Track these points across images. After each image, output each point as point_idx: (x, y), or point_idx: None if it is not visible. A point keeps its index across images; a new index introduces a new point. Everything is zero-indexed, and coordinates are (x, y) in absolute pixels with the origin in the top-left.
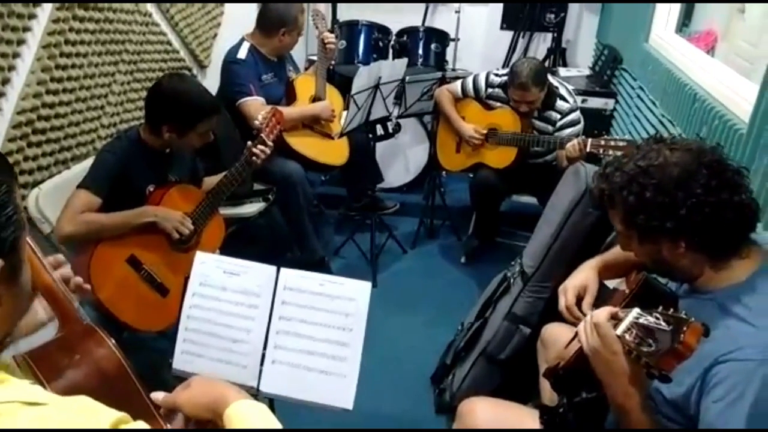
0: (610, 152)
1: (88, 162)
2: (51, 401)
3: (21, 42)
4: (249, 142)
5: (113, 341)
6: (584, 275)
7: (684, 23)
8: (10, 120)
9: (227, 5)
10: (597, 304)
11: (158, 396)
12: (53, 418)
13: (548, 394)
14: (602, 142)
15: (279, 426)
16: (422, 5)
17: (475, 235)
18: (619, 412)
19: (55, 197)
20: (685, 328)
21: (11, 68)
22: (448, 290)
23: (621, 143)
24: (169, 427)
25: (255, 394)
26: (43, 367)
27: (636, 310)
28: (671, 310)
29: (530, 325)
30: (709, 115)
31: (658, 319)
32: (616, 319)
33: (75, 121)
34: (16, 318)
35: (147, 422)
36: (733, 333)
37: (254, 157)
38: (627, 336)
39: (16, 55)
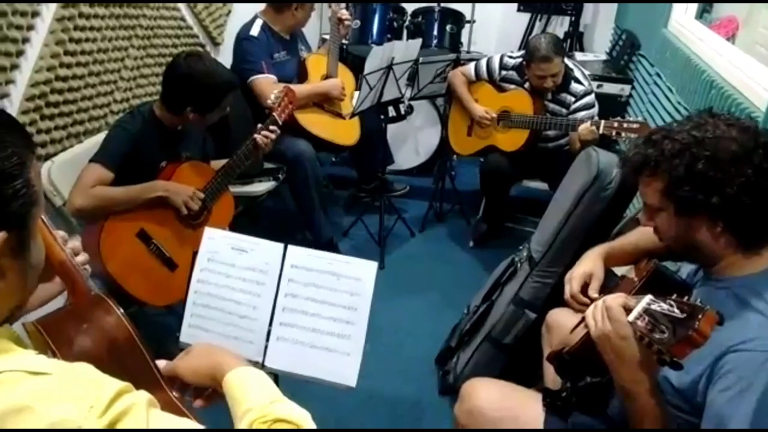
0: (623, 134)
1: (101, 136)
2: (54, 371)
3: (35, 14)
4: (259, 125)
5: (122, 310)
6: (590, 263)
7: (705, 9)
8: (24, 92)
9: None
10: (606, 292)
11: (159, 364)
12: (55, 388)
13: (551, 378)
14: (615, 124)
15: (277, 392)
16: None
17: (484, 219)
18: (626, 398)
19: (67, 170)
20: (700, 316)
21: (25, 40)
22: (455, 274)
23: (634, 125)
24: (174, 395)
25: (260, 369)
26: (54, 335)
27: (649, 297)
28: (685, 297)
29: (536, 310)
30: (725, 103)
31: (671, 306)
32: (627, 309)
33: (88, 96)
34: (22, 293)
35: (153, 391)
36: (745, 323)
37: (265, 139)
38: (639, 322)
39: (30, 28)
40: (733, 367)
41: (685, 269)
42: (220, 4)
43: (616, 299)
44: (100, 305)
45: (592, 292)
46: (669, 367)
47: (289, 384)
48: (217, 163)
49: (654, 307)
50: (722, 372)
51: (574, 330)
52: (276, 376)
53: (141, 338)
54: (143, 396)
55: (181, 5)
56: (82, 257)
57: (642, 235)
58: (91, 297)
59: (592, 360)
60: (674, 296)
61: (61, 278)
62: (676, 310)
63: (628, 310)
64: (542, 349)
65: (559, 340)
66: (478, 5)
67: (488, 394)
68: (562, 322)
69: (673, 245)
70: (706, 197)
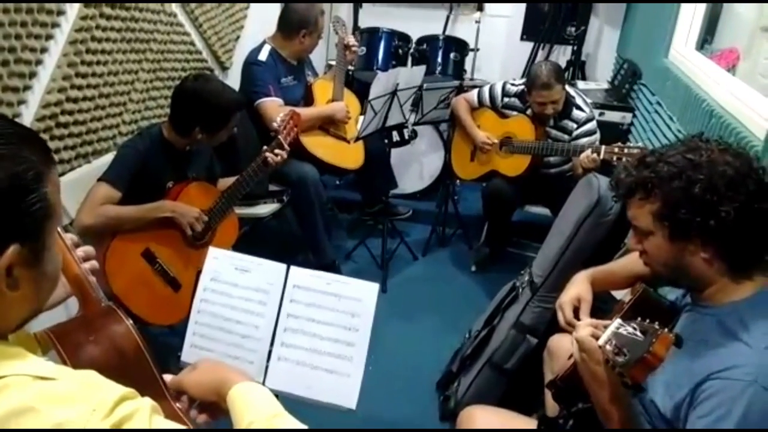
0: (624, 159)
1: (109, 157)
2: (60, 376)
3: (49, 37)
4: (265, 147)
5: (131, 321)
6: (577, 287)
7: (705, 40)
8: (35, 113)
9: (251, 8)
10: (602, 316)
11: (165, 378)
12: (59, 391)
13: (551, 405)
14: (616, 149)
15: (280, 407)
16: (443, 14)
17: (487, 243)
18: (606, 420)
19: (74, 190)
20: (654, 339)
21: (38, 62)
22: (457, 298)
23: (635, 150)
24: (178, 406)
25: None
26: (65, 344)
27: (617, 321)
28: (647, 321)
29: (537, 335)
30: (724, 132)
31: (635, 329)
32: (596, 337)
33: (97, 117)
34: (36, 303)
35: (158, 401)
36: (727, 351)
37: (270, 161)
38: (607, 346)
39: (43, 50)
40: (713, 393)
41: (675, 292)
42: (230, 30)
43: (584, 329)
44: (110, 316)
45: (583, 315)
46: (632, 389)
47: (288, 404)
48: (225, 182)
49: (621, 330)
50: (702, 398)
51: (571, 356)
52: (276, 396)
53: (149, 349)
54: (147, 402)
55: (191, 30)
56: (89, 264)
57: (633, 260)
58: (102, 308)
59: (582, 385)
60: (638, 319)
61: (74, 291)
62: (638, 333)
63: (597, 338)
64: (544, 374)
65: (560, 366)
66: (482, 35)
67: (485, 422)
68: (563, 347)
69: (661, 269)
70: (703, 220)
